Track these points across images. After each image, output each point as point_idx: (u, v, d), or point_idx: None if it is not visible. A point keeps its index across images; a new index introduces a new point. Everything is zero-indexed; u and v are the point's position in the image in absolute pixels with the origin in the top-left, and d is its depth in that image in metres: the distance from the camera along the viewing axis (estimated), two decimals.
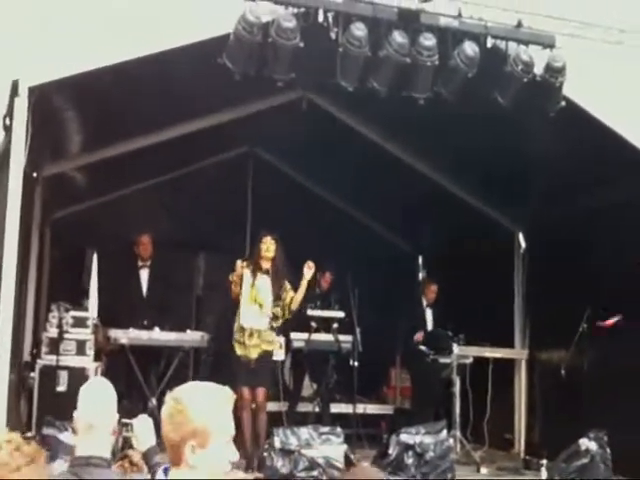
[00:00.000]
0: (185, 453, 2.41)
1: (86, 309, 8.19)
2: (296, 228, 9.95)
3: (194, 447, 2.41)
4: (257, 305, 7.61)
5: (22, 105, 5.68)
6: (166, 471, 3.26)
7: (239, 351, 7.60)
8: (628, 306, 7.73)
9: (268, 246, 7.63)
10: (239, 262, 7.64)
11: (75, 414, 3.28)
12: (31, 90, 5.71)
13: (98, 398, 3.32)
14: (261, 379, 7.69)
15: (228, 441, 2.50)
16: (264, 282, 7.64)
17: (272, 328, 7.76)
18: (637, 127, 7.03)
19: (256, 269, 7.65)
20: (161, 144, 8.49)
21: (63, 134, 7.97)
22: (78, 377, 7.27)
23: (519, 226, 9.83)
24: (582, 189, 8.12)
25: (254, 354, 7.60)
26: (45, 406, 7.19)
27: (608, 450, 7.46)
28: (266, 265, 7.66)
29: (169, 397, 2.54)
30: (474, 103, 6.76)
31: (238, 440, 2.61)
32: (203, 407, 2.45)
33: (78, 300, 8.50)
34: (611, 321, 7.70)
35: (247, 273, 7.63)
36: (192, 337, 8.47)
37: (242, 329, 7.59)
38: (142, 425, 3.69)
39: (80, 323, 7.86)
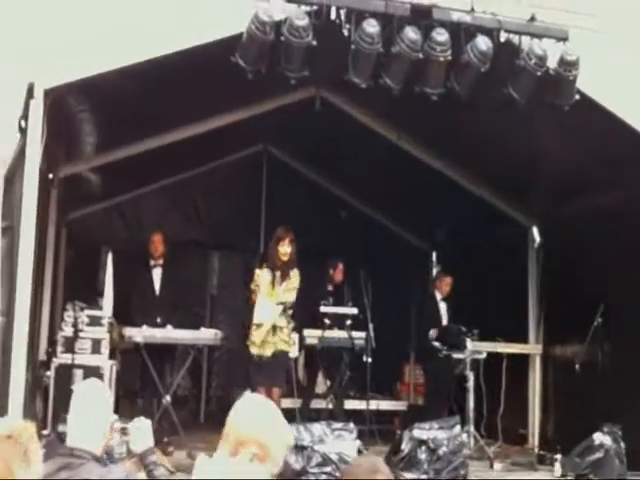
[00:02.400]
0: None
1: (101, 308, 8.24)
2: (310, 226, 9.99)
3: None
4: (277, 303, 7.74)
5: (37, 107, 5.73)
6: None
7: (253, 350, 7.69)
8: None
9: (286, 249, 7.78)
10: (257, 271, 7.81)
11: (69, 416, 3.34)
12: (46, 92, 5.75)
13: (92, 398, 3.39)
14: (276, 379, 7.78)
15: None
16: (283, 281, 7.80)
17: (294, 328, 7.90)
18: None
19: (275, 269, 7.80)
20: (175, 144, 8.53)
21: (78, 135, 8.02)
22: (93, 375, 7.31)
23: (533, 221, 9.81)
24: (597, 185, 8.07)
25: (268, 352, 7.67)
26: (60, 404, 7.20)
27: (622, 444, 7.42)
28: (283, 264, 7.81)
29: None
30: (488, 98, 6.75)
31: None
32: None
33: (93, 299, 8.53)
34: None
35: (266, 274, 7.77)
36: (206, 335, 8.51)
37: (259, 325, 7.67)
38: (138, 427, 3.71)
39: (95, 322, 7.93)
